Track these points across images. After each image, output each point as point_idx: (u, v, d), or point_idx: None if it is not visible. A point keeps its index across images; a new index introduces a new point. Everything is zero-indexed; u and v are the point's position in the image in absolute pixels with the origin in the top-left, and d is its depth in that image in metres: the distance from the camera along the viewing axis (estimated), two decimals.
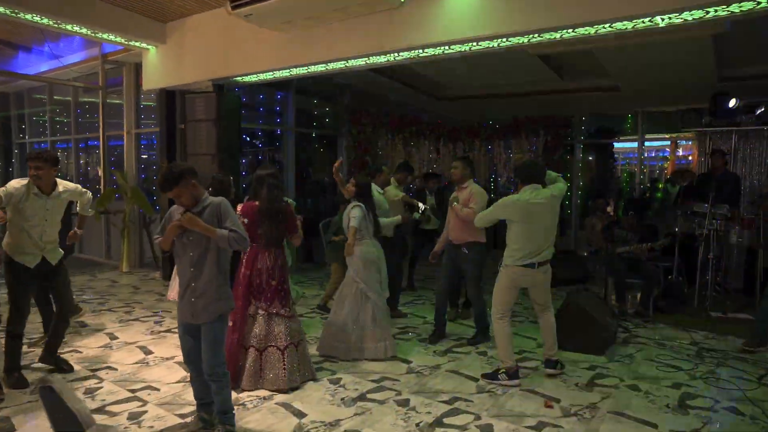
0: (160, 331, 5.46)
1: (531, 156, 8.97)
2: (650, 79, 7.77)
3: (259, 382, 3.93)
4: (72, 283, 4.68)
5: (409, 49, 5.26)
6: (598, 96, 8.82)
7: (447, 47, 5.16)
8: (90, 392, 3.96)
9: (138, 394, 3.95)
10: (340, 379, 4.29)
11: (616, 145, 11.17)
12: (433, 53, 5.36)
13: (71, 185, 4.34)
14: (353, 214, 4.68)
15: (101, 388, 4.05)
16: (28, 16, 6.42)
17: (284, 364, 3.94)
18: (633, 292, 6.68)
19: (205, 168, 6.71)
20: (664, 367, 4.60)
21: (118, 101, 9.21)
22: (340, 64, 6.02)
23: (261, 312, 3.99)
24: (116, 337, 5.26)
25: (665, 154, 12.81)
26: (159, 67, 7.58)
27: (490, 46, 5.06)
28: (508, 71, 8.24)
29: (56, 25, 6.71)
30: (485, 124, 9.23)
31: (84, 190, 4.43)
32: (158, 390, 4.03)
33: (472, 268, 5.11)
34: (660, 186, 10.24)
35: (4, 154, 12.30)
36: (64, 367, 4.33)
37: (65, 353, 4.69)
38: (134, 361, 4.62)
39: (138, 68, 8.42)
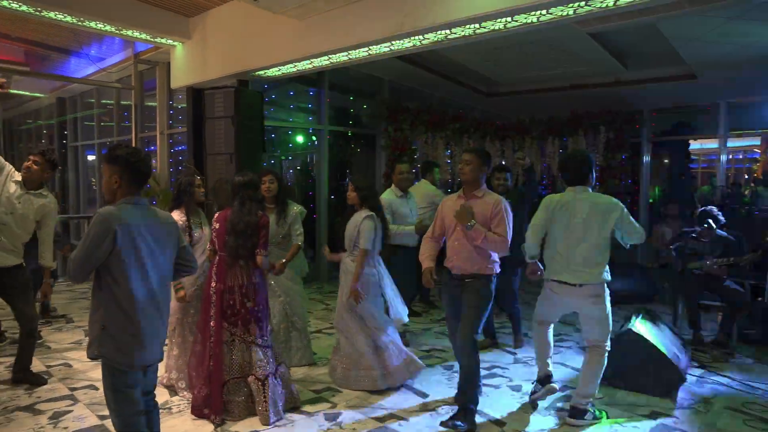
0: None
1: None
2: (733, 62, 6.63)
3: (244, 411, 3.45)
4: None
5: (434, 29, 4.54)
6: (671, 86, 7.69)
7: (477, 25, 4.40)
8: (54, 418, 3.51)
9: (106, 422, 3.46)
10: (339, 414, 3.63)
11: (693, 144, 9.90)
12: (462, 33, 4.61)
13: (52, 198, 4.00)
14: (365, 228, 3.90)
15: (70, 412, 3.60)
16: (51, 14, 6.23)
17: (264, 396, 3.34)
18: (711, 316, 5.61)
19: (222, 169, 6.28)
20: (753, 421, 3.60)
21: (154, 103, 9.04)
22: (362, 52, 5.39)
23: (237, 340, 3.45)
24: None
25: (754, 156, 11.29)
26: (185, 64, 7.27)
27: (529, 21, 4.25)
28: (564, 60, 7.31)
29: (80, 23, 6.50)
30: (538, 120, 8.28)
31: (52, 211, 3.97)
32: None
33: (475, 300, 3.47)
34: (747, 191, 8.91)
35: (61, 157, 12.59)
36: (37, 381, 3.99)
37: (55, 366, 4.38)
38: None
39: (169, 67, 8.18)
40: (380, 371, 3.96)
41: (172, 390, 3.93)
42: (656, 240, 6.84)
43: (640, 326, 4.16)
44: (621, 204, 3.42)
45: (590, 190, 3.54)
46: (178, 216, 3.82)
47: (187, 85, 7.32)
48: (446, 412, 3.66)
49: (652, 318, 4.49)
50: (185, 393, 3.79)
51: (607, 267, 3.45)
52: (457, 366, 3.87)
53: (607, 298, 3.45)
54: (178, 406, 3.69)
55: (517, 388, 4.14)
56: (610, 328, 3.49)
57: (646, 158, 8.75)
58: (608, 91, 8.02)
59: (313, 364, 4.57)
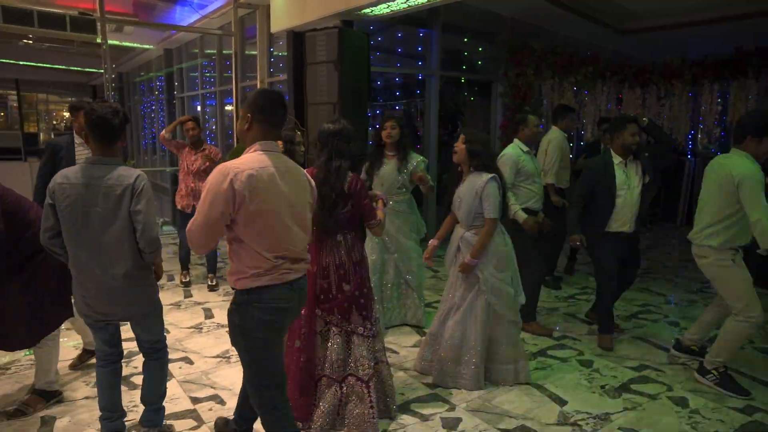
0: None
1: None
2: None
3: (337, 420, 2.81)
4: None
5: None
6: None
7: None
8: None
9: (197, 406, 3.10)
10: (459, 420, 3.00)
11: None
12: None
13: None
14: (489, 193, 3.17)
15: None
16: None
17: (371, 401, 2.76)
18: None
19: (325, 120, 5.69)
20: None
21: (255, 52, 8.63)
22: None
23: (334, 330, 2.83)
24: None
25: None
26: (285, 5, 6.70)
27: None
28: None
29: None
30: (692, 60, 6.83)
31: None
32: None
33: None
34: None
35: (168, 108, 12.80)
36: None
37: None
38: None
39: (269, 11, 7.65)
40: (482, 369, 3.32)
41: None
42: None
43: None
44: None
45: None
46: None
47: (287, 29, 6.76)
48: (594, 429, 2.92)
49: None
50: None
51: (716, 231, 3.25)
52: (597, 363, 3.71)
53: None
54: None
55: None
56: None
57: None
58: None
59: (423, 327, 4.29)
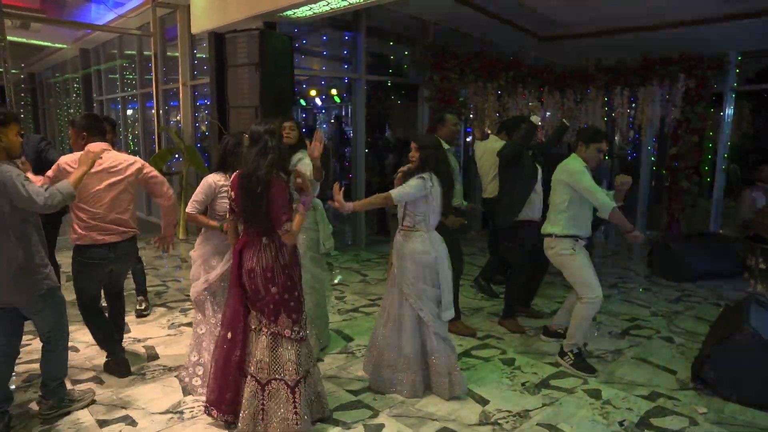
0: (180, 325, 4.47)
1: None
2: None
3: (260, 424, 2.74)
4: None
5: None
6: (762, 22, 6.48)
7: None
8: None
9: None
10: (382, 426, 2.98)
11: None
12: None
13: None
14: (410, 183, 3.18)
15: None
16: None
17: (295, 405, 2.70)
18: None
19: (246, 124, 5.55)
20: None
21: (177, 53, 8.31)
22: None
23: (264, 330, 2.77)
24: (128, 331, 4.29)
25: None
26: (206, 5, 6.48)
27: None
28: None
29: None
30: (605, 67, 7.20)
31: None
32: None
33: None
34: None
35: (87, 111, 12.11)
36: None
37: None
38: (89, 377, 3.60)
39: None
40: (419, 377, 3.29)
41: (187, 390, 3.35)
42: (745, 206, 5.89)
43: (757, 320, 3.34)
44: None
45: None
46: (218, 178, 3.23)
47: (208, 30, 6.54)
48: (513, 427, 2.98)
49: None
50: (202, 392, 3.20)
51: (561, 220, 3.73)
52: (519, 361, 3.77)
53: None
54: (191, 410, 3.11)
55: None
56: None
57: (729, 110, 7.59)
58: (693, 31, 6.83)
59: (325, 348, 3.98)
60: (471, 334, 4.29)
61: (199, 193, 3.22)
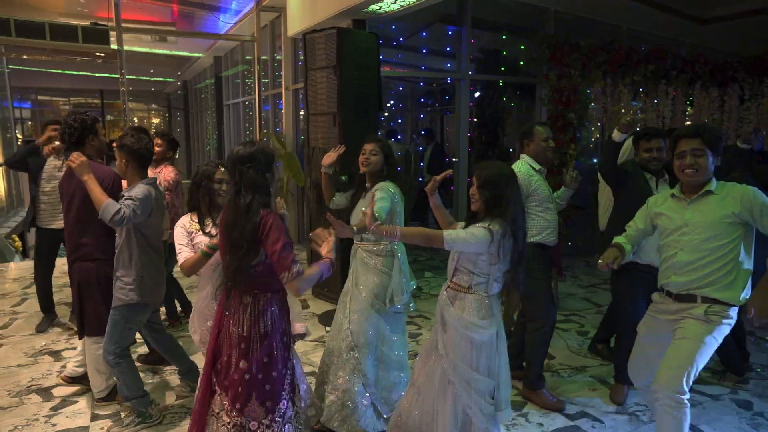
0: None
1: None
2: None
3: None
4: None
5: None
6: None
7: None
8: None
9: None
10: None
11: None
12: None
13: None
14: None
15: None
16: None
17: None
18: None
19: (324, 134, 5.05)
20: None
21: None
22: None
23: (225, 419, 2.13)
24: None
25: None
26: (299, 6, 6.14)
27: None
28: None
29: None
30: None
31: None
32: None
33: None
34: None
35: (218, 114, 12.72)
36: None
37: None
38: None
39: None
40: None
41: None
42: None
43: None
44: None
45: None
46: (186, 222, 2.72)
47: (301, 31, 6.21)
48: None
49: None
50: None
51: None
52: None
53: None
54: None
55: None
56: None
57: None
58: None
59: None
60: (558, 409, 3.30)
61: (178, 244, 2.66)
